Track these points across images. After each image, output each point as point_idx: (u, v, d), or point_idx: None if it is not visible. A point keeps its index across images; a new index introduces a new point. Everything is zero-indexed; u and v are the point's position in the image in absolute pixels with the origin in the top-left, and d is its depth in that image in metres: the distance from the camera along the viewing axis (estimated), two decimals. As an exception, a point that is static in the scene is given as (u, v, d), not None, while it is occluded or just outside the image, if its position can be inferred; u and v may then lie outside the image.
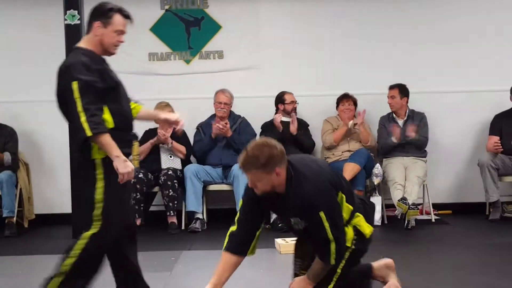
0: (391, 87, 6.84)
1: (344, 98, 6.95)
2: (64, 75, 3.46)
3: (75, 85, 3.37)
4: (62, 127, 6.33)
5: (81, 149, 3.46)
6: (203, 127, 6.87)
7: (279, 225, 6.29)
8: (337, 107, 7.01)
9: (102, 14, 3.59)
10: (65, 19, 6.15)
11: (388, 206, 6.74)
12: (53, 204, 7.06)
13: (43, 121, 6.94)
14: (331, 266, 3.51)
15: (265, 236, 6.00)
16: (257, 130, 6.92)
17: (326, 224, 3.37)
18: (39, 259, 5.47)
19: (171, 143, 6.67)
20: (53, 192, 7.07)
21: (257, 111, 7.04)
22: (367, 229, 3.63)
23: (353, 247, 3.59)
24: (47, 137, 7.09)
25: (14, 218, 6.54)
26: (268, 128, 6.86)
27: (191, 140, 6.90)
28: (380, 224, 6.49)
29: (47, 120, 6.92)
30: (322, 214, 3.36)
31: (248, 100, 7.06)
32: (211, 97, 6.84)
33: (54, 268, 3.54)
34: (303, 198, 3.38)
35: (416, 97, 6.96)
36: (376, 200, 6.50)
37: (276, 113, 6.90)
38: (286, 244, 5.39)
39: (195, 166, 6.70)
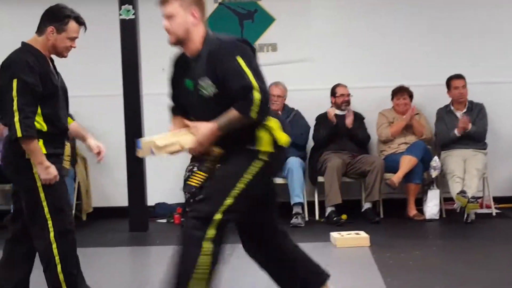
0: (459, 77, 6.65)
1: (399, 91, 6.83)
2: (6, 71, 3.46)
3: (15, 83, 3.38)
4: (118, 121, 6.48)
5: (14, 147, 3.44)
6: (257, 121, 6.84)
7: (334, 218, 6.24)
8: (392, 99, 6.89)
9: (57, 19, 3.56)
10: (120, 14, 6.21)
11: (446, 199, 6.58)
12: (110, 197, 7.16)
13: (100, 115, 7.04)
14: (249, 120, 3.03)
15: (320, 229, 6.01)
16: (311, 122, 6.86)
17: (247, 70, 3.02)
18: (97, 251, 5.56)
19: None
20: (110, 185, 7.16)
21: (311, 103, 6.98)
22: (283, 136, 3.15)
23: (266, 158, 3.11)
24: (104, 131, 7.14)
25: (73, 211, 6.63)
26: (322, 120, 6.80)
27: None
28: (438, 218, 6.36)
29: (104, 114, 7.04)
30: (239, 59, 3.03)
31: (302, 92, 7.00)
32: (265, 90, 6.80)
33: (51, 282, 3.57)
34: (220, 45, 3.12)
35: (474, 87, 6.77)
36: (434, 193, 6.38)
37: (332, 106, 6.84)
38: (342, 238, 5.33)
39: (249, 159, 6.68)
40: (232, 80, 3.04)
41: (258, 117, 3.03)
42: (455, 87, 6.67)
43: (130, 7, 6.21)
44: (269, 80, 6.91)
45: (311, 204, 6.61)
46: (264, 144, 3.12)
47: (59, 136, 3.61)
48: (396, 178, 6.34)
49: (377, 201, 6.51)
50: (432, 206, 6.38)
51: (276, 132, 3.15)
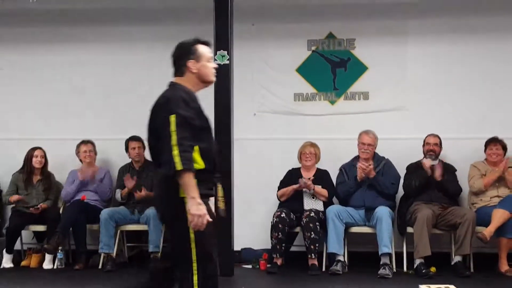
0: None
1: (492, 142, 6.68)
2: (163, 108, 3.53)
3: (172, 118, 3.43)
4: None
5: (169, 186, 3.46)
6: (346, 169, 6.82)
7: (423, 270, 6.10)
8: (485, 150, 6.73)
9: (189, 52, 3.67)
10: (215, 59, 6.37)
11: (542, 256, 6.32)
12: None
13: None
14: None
15: (408, 281, 5.88)
16: (402, 172, 6.77)
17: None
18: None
19: (313, 188, 6.67)
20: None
21: (401, 153, 6.90)
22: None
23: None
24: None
25: (159, 254, 6.61)
26: (413, 170, 6.70)
27: (334, 181, 6.87)
28: (535, 275, 6.10)
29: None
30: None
31: (392, 141, 6.95)
32: (355, 138, 6.80)
33: None
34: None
35: None
36: (529, 249, 6.14)
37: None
38: (431, 291, 5.19)
39: (337, 207, 6.64)
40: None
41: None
42: None
43: (225, 52, 6.35)
44: (360, 128, 6.97)
45: (398, 255, 6.49)
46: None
47: (212, 174, 3.62)
48: (487, 232, 6.14)
49: (467, 255, 6.32)
50: (526, 263, 6.14)
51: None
